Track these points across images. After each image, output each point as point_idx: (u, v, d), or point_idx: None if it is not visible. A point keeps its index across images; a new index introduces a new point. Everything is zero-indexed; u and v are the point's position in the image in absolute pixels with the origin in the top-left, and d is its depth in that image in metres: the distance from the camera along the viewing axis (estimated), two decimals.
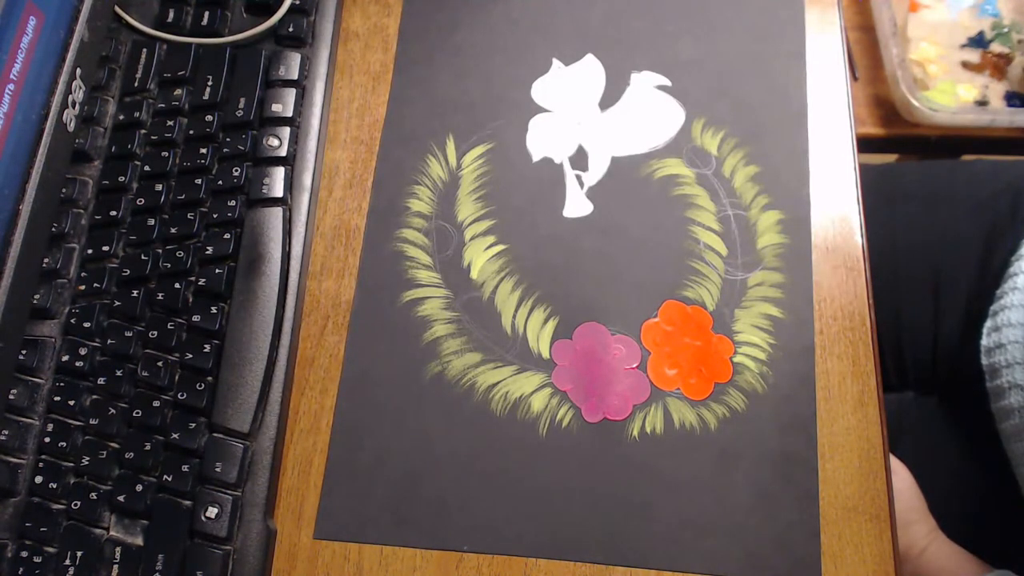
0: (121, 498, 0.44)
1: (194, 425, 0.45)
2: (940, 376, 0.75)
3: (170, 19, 0.54)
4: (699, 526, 0.45)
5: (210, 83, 0.52)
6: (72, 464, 0.45)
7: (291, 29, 0.54)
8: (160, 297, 0.47)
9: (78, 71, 0.49)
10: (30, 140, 0.45)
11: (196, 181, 0.50)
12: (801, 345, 0.49)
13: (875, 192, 0.78)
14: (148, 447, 0.45)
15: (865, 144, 0.92)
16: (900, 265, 0.75)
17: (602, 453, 0.47)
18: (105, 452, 0.45)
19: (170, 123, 0.51)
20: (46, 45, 0.46)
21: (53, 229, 0.48)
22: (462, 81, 0.56)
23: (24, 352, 0.46)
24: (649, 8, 0.57)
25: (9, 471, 0.44)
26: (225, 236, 0.49)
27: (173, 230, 0.49)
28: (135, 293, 0.48)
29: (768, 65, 0.55)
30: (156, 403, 0.45)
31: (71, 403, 0.45)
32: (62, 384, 0.46)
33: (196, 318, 0.47)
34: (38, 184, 0.46)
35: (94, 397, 0.46)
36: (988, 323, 0.68)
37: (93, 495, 0.44)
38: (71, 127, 0.49)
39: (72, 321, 0.47)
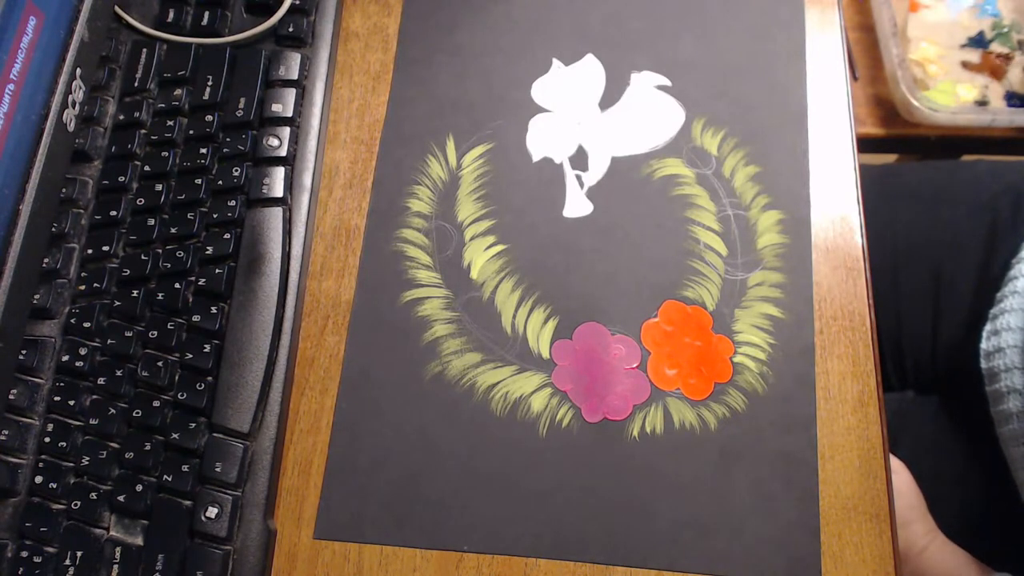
0: (121, 498, 0.44)
1: (194, 425, 0.45)
2: (940, 376, 0.75)
3: (170, 19, 0.54)
4: (699, 526, 0.45)
5: (210, 83, 0.52)
6: (72, 464, 0.45)
7: (291, 29, 0.54)
8: (160, 297, 0.47)
9: (78, 71, 0.49)
10: (30, 140, 0.45)
11: (196, 181, 0.50)
12: (801, 345, 0.49)
13: (875, 192, 0.78)
14: (148, 447, 0.45)
15: (865, 144, 0.92)
16: (900, 265, 0.75)
17: (602, 453, 0.47)
18: (105, 452, 0.45)
19: (170, 123, 0.51)
20: (46, 45, 0.46)
21: (53, 229, 0.48)
22: (462, 81, 0.56)
23: (24, 352, 0.46)
24: (649, 8, 0.57)
25: (9, 471, 0.44)
26: (225, 236, 0.49)
27: (173, 230, 0.49)
28: (135, 293, 0.48)
29: (768, 65, 0.55)
30: (156, 403, 0.45)
31: (71, 403, 0.45)
32: (62, 384, 0.46)
33: (196, 318, 0.47)
34: (38, 184, 0.46)
35: (94, 397, 0.46)
36: (987, 326, 0.67)
37: (93, 495, 0.44)
38: (71, 127, 0.49)
39: (72, 321, 0.47)
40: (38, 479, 0.44)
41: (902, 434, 0.72)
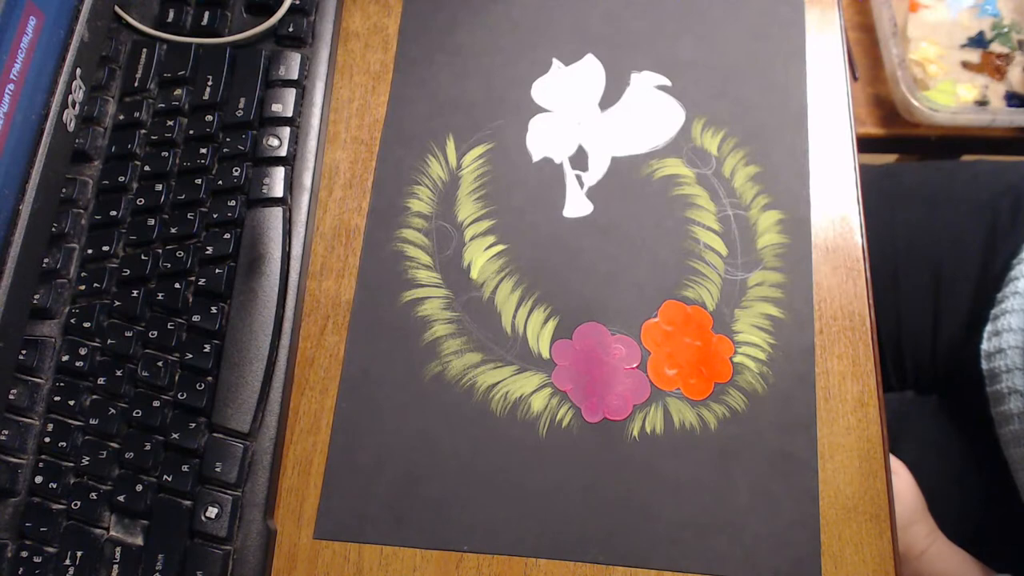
0: (121, 498, 0.44)
1: (194, 425, 0.45)
2: (940, 377, 0.75)
3: (170, 19, 0.54)
4: (699, 526, 0.45)
5: (210, 83, 0.52)
6: (72, 464, 0.45)
7: (291, 29, 0.54)
8: (160, 297, 0.47)
9: (78, 71, 0.49)
10: (30, 140, 0.45)
11: (196, 181, 0.50)
12: (801, 345, 0.49)
13: (875, 192, 0.78)
14: (148, 447, 0.45)
15: (865, 144, 0.92)
16: (900, 265, 0.75)
17: (602, 453, 0.47)
18: (105, 452, 0.45)
19: (170, 123, 0.51)
20: (46, 45, 0.46)
21: (53, 229, 0.48)
22: (462, 81, 0.56)
23: (24, 352, 0.46)
24: (649, 8, 0.57)
25: (9, 471, 0.44)
26: (225, 236, 0.49)
27: (173, 230, 0.49)
28: (135, 293, 0.48)
29: (768, 65, 0.55)
30: (156, 403, 0.45)
31: (71, 403, 0.45)
32: (62, 384, 0.46)
33: (196, 318, 0.47)
34: (38, 184, 0.46)
35: (94, 397, 0.46)
36: (988, 327, 0.67)
37: (93, 495, 0.44)
38: (71, 127, 0.49)
39: (72, 321, 0.47)
40: (38, 479, 0.44)
41: (902, 434, 0.72)
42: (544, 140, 0.54)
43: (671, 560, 0.45)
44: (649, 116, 0.54)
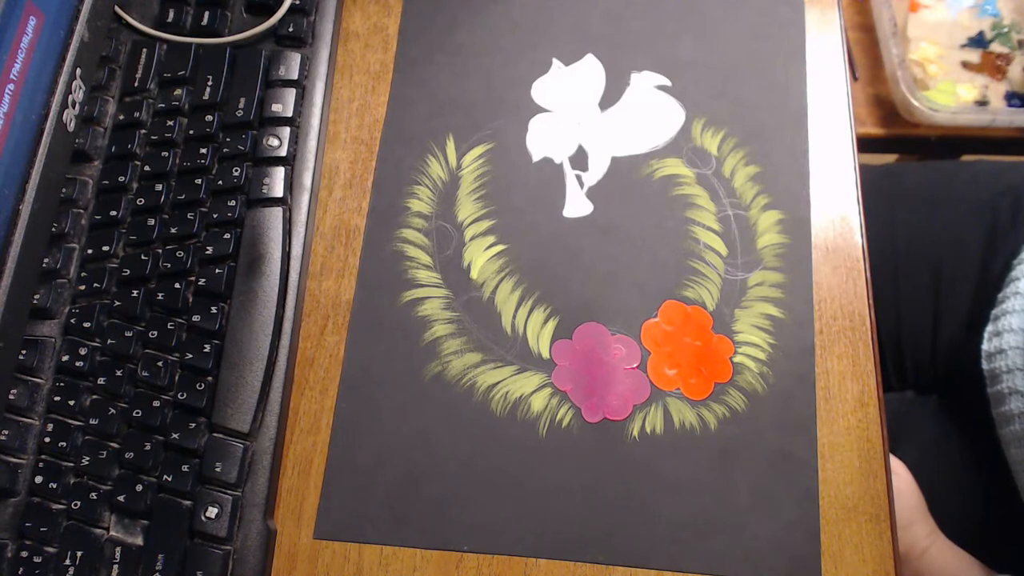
0: (121, 498, 0.44)
1: (194, 425, 0.45)
2: (940, 377, 0.75)
3: (170, 19, 0.54)
4: (699, 526, 0.45)
5: (210, 83, 0.52)
6: (72, 464, 0.45)
7: (291, 29, 0.54)
8: (160, 297, 0.47)
9: (78, 71, 0.49)
10: (30, 140, 0.45)
11: (196, 181, 0.50)
12: (801, 345, 0.49)
13: (875, 192, 0.78)
14: (148, 447, 0.45)
15: (865, 144, 0.92)
16: (900, 265, 0.75)
17: (602, 453, 0.47)
18: (105, 452, 0.45)
19: (170, 123, 0.51)
20: (46, 45, 0.46)
21: (53, 229, 0.48)
22: (462, 81, 0.56)
23: (24, 352, 0.46)
24: (649, 8, 0.57)
25: (9, 471, 0.44)
26: (225, 236, 0.49)
27: (173, 230, 0.49)
28: (135, 293, 0.48)
29: (768, 65, 0.55)
30: (156, 403, 0.45)
31: (71, 403, 0.45)
32: (62, 384, 0.46)
33: (196, 318, 0.47)
34: (38, 184, 0.46)
35: (94, 397, 0.46)
36: (989, 327, 0.67)
37: (93, 495, 0.44)
38: (71, 127, 0.49)
39: (72, 321, 0.47)
40: (38, 479, 0.44)
41: (902, 434, 0.72)
42: (544, 140, 0.54)
43: (671, 560, 0.45)
44: (649, 116, 0.54)
